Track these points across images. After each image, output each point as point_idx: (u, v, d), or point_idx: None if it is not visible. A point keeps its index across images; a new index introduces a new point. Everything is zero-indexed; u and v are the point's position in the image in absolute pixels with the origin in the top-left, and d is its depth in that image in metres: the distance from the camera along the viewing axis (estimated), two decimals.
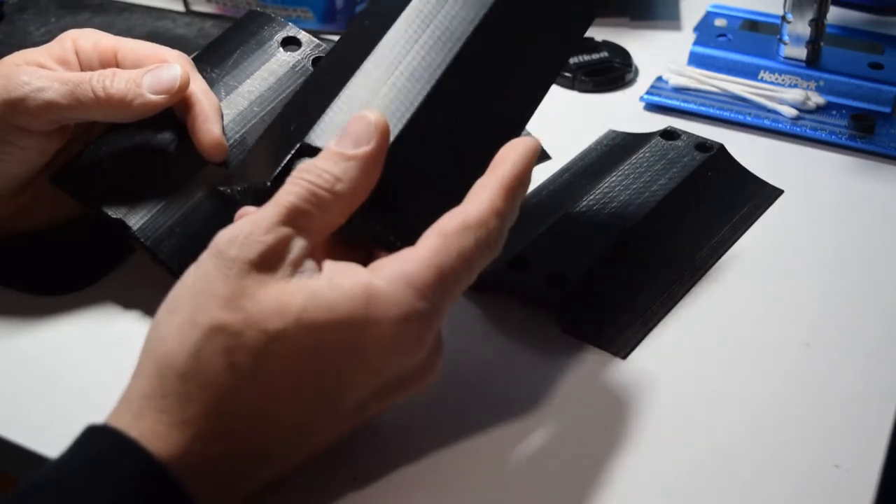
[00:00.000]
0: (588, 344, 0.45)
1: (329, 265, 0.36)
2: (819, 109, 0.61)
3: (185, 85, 0.45)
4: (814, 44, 0.62)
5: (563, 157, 0.58)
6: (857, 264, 0.50)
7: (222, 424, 0.34)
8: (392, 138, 0.38)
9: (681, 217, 0.52)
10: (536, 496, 0.39)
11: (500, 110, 0.41)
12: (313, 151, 0.39)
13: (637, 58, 0.68)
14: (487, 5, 0.42)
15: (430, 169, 0.39)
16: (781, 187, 0.56)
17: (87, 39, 0.47)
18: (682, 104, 0.62)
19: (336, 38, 0.71)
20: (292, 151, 0.39)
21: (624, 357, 0.45)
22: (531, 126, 0.60)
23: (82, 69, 0.46)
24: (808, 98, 0.61)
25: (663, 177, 0.54)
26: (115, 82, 0.44)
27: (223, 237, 0.36)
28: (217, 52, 0.51)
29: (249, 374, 0.34)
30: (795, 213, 0.54)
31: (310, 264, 0.36)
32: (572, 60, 0.66)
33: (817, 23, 0.61)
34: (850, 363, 0.45)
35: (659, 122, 0.60)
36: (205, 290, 0.35)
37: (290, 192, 0.36)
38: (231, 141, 0.47)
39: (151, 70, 0.45)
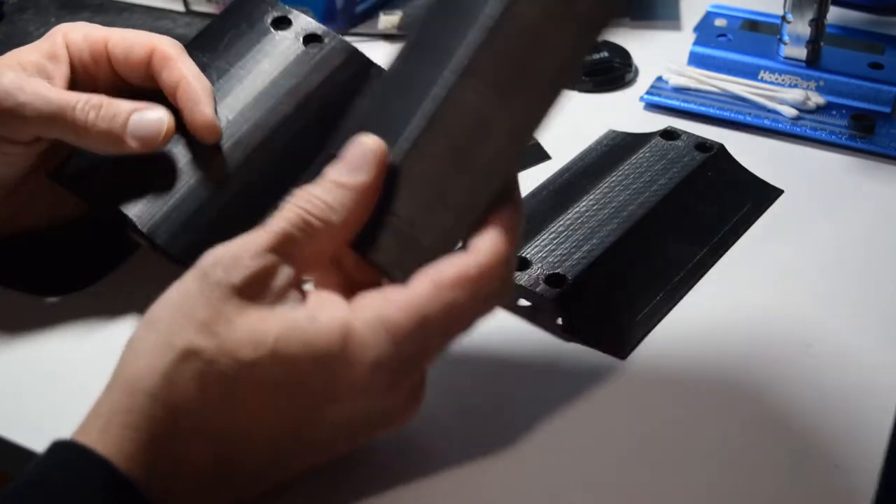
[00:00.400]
0: (588, 345, 0.45)
1: (313, 297, 0.36)
2: (819, 109, 0.61)
3: (170, 133, 0.44)
4: (814, 44, 0.62)
5: (562, 157, 0.58)
6: (857, 264, 0.50)
7: (188, 447, 0.34)
8: (396, 162, 0.38)
9: (681, 217, 0.52)
10: (536, 496, 0.39)
11: (501, 142, 0.38)
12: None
13: (637, 58, 0.68)
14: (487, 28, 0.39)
15: (431, 203, 0.38)
16: (781, 187, 0.56)
17: (77, 32, 0.47)
18: (682, 104, 0.62)
19: None
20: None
21: (624, 357, 0.45)
22: None
23: (72, 62, 0.46)
24: (808, 98, 0.61)
25: (663, 177, 0.54)
26: (99, 117, 0.43)
27: (210, 257, 0.35)
28: (209, 37, 0.50)
29: (218, 401, 0.34)
30: (795, 213, 0.54)
31: (294, 294, 0.35)
32: None
33: (817, 23, 0.61)
34: (850, 363, 0.45)
35: (659, 122, 0.60)
36: (184, 311, 0.34)
37: (282, 218, 0.36)
38: (224, 122, 0.47)
39: (139, 109, 0.44)
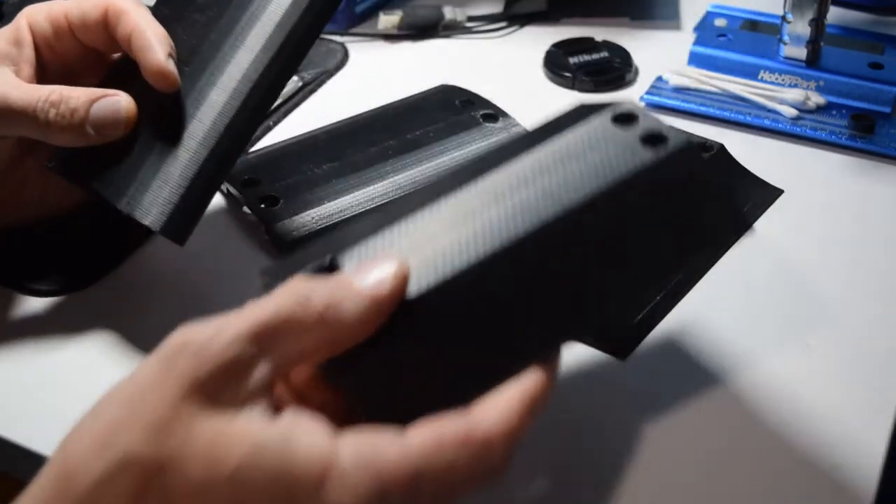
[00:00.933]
0: (588, 345, 0.45)
1: (290, 412, 0.30)
2: (819, 109, 0.61)
3: (131, 116, 0.44)
4: (814, 44, 0.62)
5: None
6: (857, 264, 0.50)
7: None
8: (415, 295, 0.33)
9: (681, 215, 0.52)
10: (535, 496, 0.39)
11: (550, 316, 0.34)
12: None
13: (637, 58, 0.68)
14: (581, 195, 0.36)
15: (443, 348, 0.33)
16: (781, 187, 0.56)
17: (38, 13, 0.46)
18: (682, 104, 0.62)
19: (336, 37, 0.71)
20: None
21: (624, 358, 0.45)
22: (530, 122, 0.60)
23: (37, 44, 0.46)
24: (808, 98, 0.61)
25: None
26: (59, 114, 0.43)
27: (178, 338, 0.30)
28: None
29: None
30: (795, 213, 0.54)
31: (266, 402, 0.30)
32: (572, 60, 0.67)
33: (817, 23, 0.61)
34: (850, 363, 0.45)
35: None
36: (135, 402, 0.29)
37: (273, 303, 0.31)
38: (182, 71, 0.46)
39: (97, 99, 0.43)
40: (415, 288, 0.33)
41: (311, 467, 0.29)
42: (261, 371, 0.30)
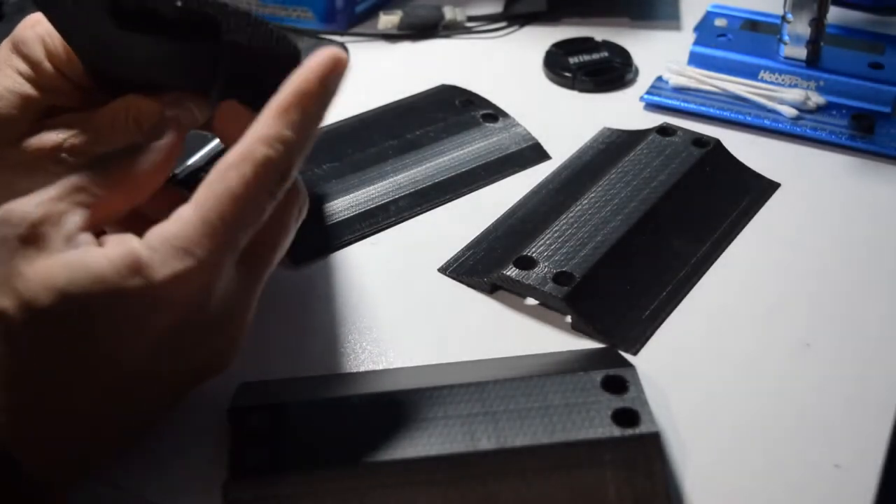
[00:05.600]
0: (598, 341, 0.46)
1: (109, 238, 0.36)
2: (819, 109, 0.61)
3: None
4: (814, 44, 0.62)
5: (562, 157, 0.58)
6: (857, 264, 0.50)
7: (12, 402, 0.35)
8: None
9: (682, 212, 0.52)
10: None
11: None
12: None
13: (637, 58, 0.68)
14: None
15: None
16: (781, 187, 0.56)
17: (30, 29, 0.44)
18: (682, 104, 0.62)
19: (336, 38, 0.71)
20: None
21: (634, 354, 0.45)
22: (530, 122, 0.60)
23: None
24: (808, 98, 0.61)
25: (662, 173, 0.54)
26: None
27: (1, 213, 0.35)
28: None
29: (28, 358, 0.34)
30: (795, 213, 0.54)
31: (86, 237, 0.35)
32: (572, 60, 0.67)
33: (817, 23, 0.61)
34: (850, 363, 0.45)
35: (659, 122, 0.60)
36: None
37: (74, 174, 0.36)
38: None
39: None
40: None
41: (122, 264, 0.34)
42: (74, 218, 0.35)
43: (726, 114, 0.61)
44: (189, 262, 0.34)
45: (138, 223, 0.37)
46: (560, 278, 0.47)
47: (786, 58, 0.63)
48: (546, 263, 0.47)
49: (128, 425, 0.38)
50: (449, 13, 0.72)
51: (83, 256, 0.34)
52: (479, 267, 0.49)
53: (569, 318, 0.46)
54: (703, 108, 0.62)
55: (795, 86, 0.62)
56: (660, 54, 0.68)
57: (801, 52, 0.62)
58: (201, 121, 0.42)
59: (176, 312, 0.35)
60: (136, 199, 0.38)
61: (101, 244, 0.35)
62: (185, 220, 0.35)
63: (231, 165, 0.35)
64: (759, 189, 0.55)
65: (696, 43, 0.66)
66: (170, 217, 0.35)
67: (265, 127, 0.36)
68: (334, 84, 0.37)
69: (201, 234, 0.35)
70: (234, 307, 0.37)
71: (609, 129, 0.60)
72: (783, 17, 0.62)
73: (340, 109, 0.62)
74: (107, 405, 0.36)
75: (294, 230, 0.40)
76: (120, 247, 0.34)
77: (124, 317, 0.34)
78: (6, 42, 0.44)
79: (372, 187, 0.55)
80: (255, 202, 0.36)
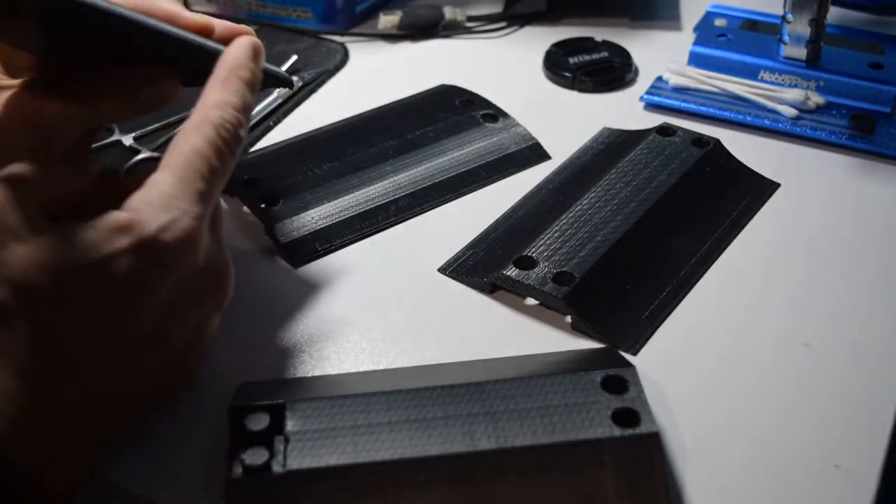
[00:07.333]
0: (598, 341, 0.46)
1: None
2: (819, 109, 0.61)
3: None
4: (814, 44, 0.62)
5: (562, 157, 0.58)
6: (857, 264, 0.50)
7: (13, 404, 0.34)
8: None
9: (681, 212, 0.52)
10: None
11: None
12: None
13: (637, 58, 0.68)
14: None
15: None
16: (781, 187, 0.56)
17: None
18: (682, 104, 0.62)
19: (336, 37, 0.71)
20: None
21: (635, 353, 0.45)
22: (530, 122, 0.60)
23: None
24: (808, 98, 0.61)
25: (662, 173, 0.54)
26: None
27: None
28: None
29: (31, 346, 0.34)
30: (795, 213, 0.54)
31: (49, 222, 0.36)
32: (572, 60, 0.67)
33: (817, 23, 0.61)
34: (850, 363, 0.45)
35: (659, 122, 0.60)
36: None
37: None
38: None
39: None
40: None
41: (105, 228, 0.35)
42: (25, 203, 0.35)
43: (726, 114, 0.61)
44: (175, 213, 0.37)
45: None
46: (560, 278, 0.47)
47: (786, 58, 0.63)
48: (546, 263, 0.47)
49: (132, 403, 0.38)
50: (449, 13, 0.72)
51: (67, 233, 0.35)
52: (479, 267, 0.49)
53: (569, 318, 0.46)
54: (703, 108, 0.62)
55: (795, 86, 0.62)
56: (660, 54, 0.68)
57: (801, 52, 0.62)
58: (170, 99, 0.44)
59: (172, 264, 0.36)
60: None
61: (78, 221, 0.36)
62: (160, 181, 0.37)
63: (192, 130, 0.39)
64: (759, 189, 0.55)
65: (696, 43, 0.66)
66: (144, 184, 0.37)
67: (214, 95, 0.40)
68: (256, 54, 0.43)
69: (180, 189, 0.37)
70: (215, 253, 0.40)
71: (609, 129, 0.60)
72: (783, 17, 0.62)
73: (340, 110, 0.62)
74: (115, 381, 0.37)
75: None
76: (102, 218, 0.36)
77: (124, 276, 0.35)
78: None
79: (372, 187, 0.55)
80: (220, 156, 0.39)
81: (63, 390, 0.35)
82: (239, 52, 0.43)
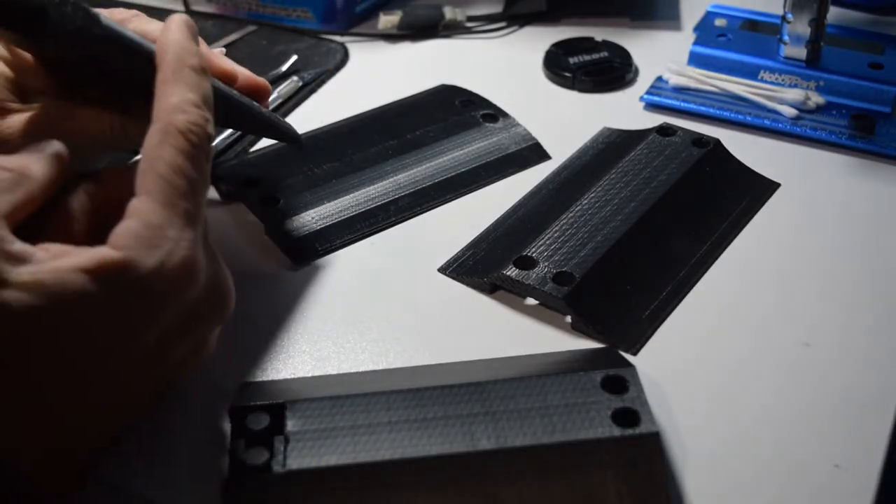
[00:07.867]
0: (598, 341, 0.46)
1: (67, 250, 0.34)
2: (819, 109, 0.61)
3: None
4: (814, 44, 0.62)
5: (562, 157, 0.58)
6: (857, 264, 0.50)
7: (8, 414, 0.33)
8: None
9: (681, 212, 0.52)
10: None
11: None
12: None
13: (637, 58, 0.68)
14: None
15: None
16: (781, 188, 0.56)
17: None
18: (682, 104, 0.62)
19: (336, 37, 0.71)
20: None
21: (634, 354, 0.45)
22: (530, 122, 0.60)
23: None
24: (808, 98, 0.61)
25: (662, 173, 0.54)
26: None
27: None
28: None
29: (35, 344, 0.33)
30: (795, 213, 0.54)
31: (18, 245, 0.33)
32: (572, 60, 0.67)
33: (817, 23, 0.61)
34: (849, 363, 0.45)
35: (659, 122, 0.60)
36: None
37: None
38: None
39: None
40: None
41: (97, 273, 0.33)
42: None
43: (726, 114, 0.61)
44: (168, 245, 0.35)
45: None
46: (560, 278, 0.47)
47: (786, 58, 0.63)
48: (546, 263, 0.47)
49: (130, 412, 0.38)
50: (449, 13, 0.72)
51: (57, 277, 0.32)
52: (479, 267, 0.49)
53: (569, 318, 0.46)
54: (703, 108, 0.62)
55: (795, 86, 0.62)
56: (660, 54, 0.68)
57: (801, 52, 0.62)
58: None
59: (173, 296, 0.35)
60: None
61: (57, 255, 0.34)
62: (142, 210, 0.35)
63: (159, 143, 0.36)
64: (759, 189, 0.55)
65: (696, 43, 0.66)
66: (126, 214, 0.35)
67: (169, 96, 0.37)
68: (194, 33, 0.40)
69: (166, 217, 0.35)
70: (212, 269, 0.38)
71: (609, 129, 0.60)
72: (783, 17, 0.62)
73: (340, 110, 0.62)
74: (115, 395, 0.36)
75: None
76: (93, 257, 0.33)
77: (124, 318, 0.34)
78: None
79: (372, 187, 0.55)
80: (196, 165, 0.37)
81: (62, 405, 0.34)
82: (179, 34, 0.39)
